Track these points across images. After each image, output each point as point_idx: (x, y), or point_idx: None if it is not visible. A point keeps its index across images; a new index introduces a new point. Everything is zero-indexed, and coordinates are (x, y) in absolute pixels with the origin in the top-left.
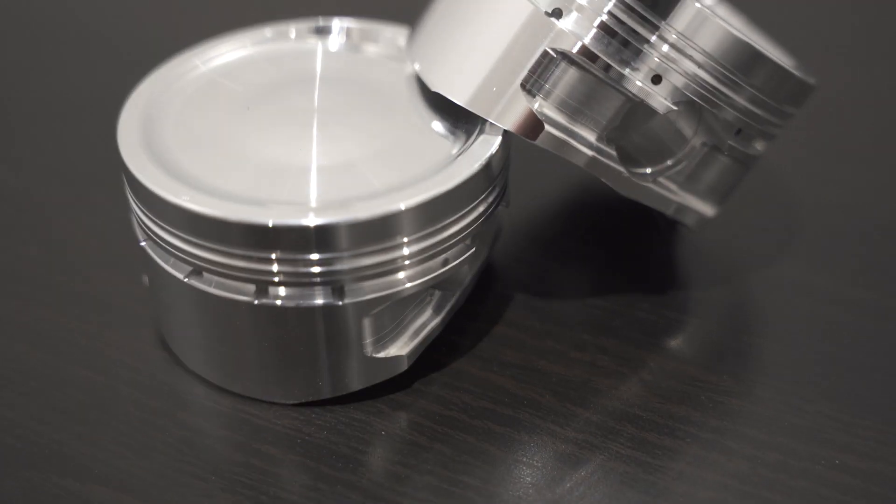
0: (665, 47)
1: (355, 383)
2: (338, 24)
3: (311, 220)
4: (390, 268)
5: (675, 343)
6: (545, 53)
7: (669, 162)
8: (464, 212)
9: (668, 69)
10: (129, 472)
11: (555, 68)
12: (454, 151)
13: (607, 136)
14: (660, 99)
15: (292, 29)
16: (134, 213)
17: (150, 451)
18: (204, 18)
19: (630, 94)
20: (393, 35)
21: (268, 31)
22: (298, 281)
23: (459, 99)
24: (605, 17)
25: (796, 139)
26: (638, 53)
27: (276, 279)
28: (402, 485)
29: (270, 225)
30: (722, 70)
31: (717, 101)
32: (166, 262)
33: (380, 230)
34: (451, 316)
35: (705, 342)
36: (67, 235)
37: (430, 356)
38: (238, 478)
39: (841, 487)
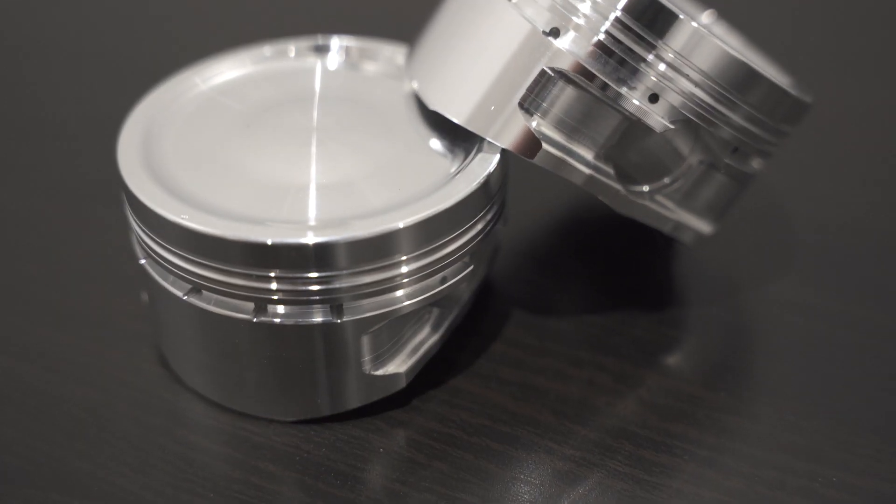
0: (662, 66)
1: (354, 401)
2: (337, 42)
3: (310, 239)
4: (389, 286)
5: (672, 360)
6: (543, 72)
7: (666, 180)
8: (462, 230)
9: (664, 88)
10: (129, 489)
11: (552, 87)
12: (452, 170)
13: (605, 155)
14: (657, 118)
15: (292, 47)
16: (133, 231)
17: (149, 469)
18: (204, 37)
19: (627, 113)
20: (392, 53)
21: (267, 50)
22: (297, 299)
23: (457, 117)
24: (602, 37)
25: (793, 157)
26: (635, 72)
27: (275, 297)
28: (401, 502)
29: (269, 243)
30: (718, 89)
31: (714, 120)
32: (166, 280)
33: (378, 248)
34: (449, 333)
35: (703, 360)
36: (67, 253)
37: (429, 373)
38: (237, 495)
39: None
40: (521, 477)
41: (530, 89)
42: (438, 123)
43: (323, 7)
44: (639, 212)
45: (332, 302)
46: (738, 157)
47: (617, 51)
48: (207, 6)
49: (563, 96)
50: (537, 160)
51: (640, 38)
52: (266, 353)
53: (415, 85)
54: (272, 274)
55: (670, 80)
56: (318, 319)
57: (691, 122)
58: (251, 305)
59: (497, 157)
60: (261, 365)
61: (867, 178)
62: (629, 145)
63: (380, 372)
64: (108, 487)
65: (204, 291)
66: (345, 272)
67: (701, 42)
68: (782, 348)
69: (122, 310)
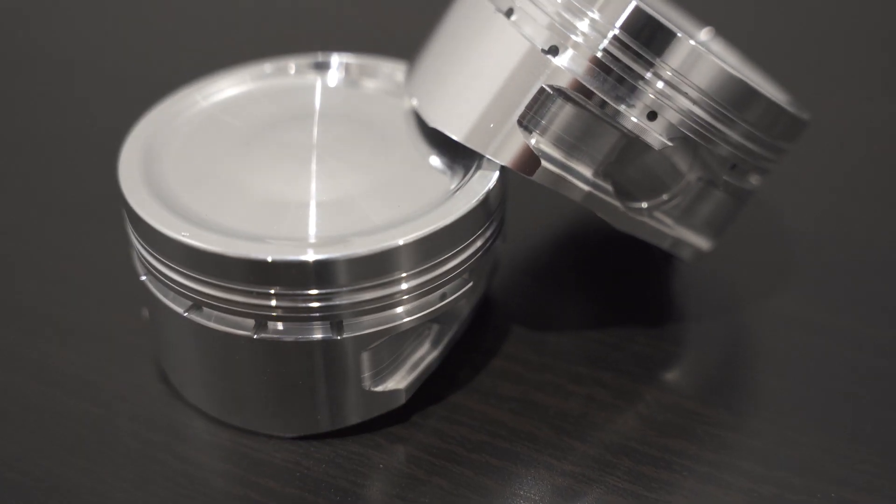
0: (660, 84)
1: (354, 417)
2: (337, 59)
3: (310, 256)
4: (388, 302)
5: (671, 376)
6: (541, 90)
7: (665, 196)
8: (462, 247)
9: (663, 106)
10: None
11: (551, 105)
12: (452, 187)
13: (603, 172)
14: (655, 135)
15: (292, 64)
16: (134, 247)
17: (149, 485)
18: (204, 54)
19: (626, 131)
20: (391, 70)
21: (267, 67)
22: (297, 315)
23: (456, 135)
24: (600, 55)
25: (791, 173)
26: (633, 90)
27: (276, 314)
28: None
29: (270, 260)
30: (716, 107)
31: (712, 137)
32: (166, 297)
33: (378, 265)
34: (448, 349)
35: (702, 375)
36: (68, 269)
37: (428, 389)
38: None
39: None
40: (521, 493)
41: (529, 107)
42: (438, 140)
43: (322, 24)
44: (637, 228)
45: (332, 318)
46: (736, 174)
47: (615, 69)
48: (208, 24)
49: (562, 114)
50: (536, 177)
51: (638, 56)
52: (266, 369)
53: (414, 102)
54: (272, 291)
55: (668, 97)
56: (318, 336)
57: (689, 139)
58: (251, 322)
59: (496, 174)
60: (261, 381)
61: (865, 194)
62: (628, 162)
63: (380, 388)
64: (109, 503)
65: (204, 308)
66: (345, 289)
67: (699, 60)
68: (781, 364)
69: (123, 326)
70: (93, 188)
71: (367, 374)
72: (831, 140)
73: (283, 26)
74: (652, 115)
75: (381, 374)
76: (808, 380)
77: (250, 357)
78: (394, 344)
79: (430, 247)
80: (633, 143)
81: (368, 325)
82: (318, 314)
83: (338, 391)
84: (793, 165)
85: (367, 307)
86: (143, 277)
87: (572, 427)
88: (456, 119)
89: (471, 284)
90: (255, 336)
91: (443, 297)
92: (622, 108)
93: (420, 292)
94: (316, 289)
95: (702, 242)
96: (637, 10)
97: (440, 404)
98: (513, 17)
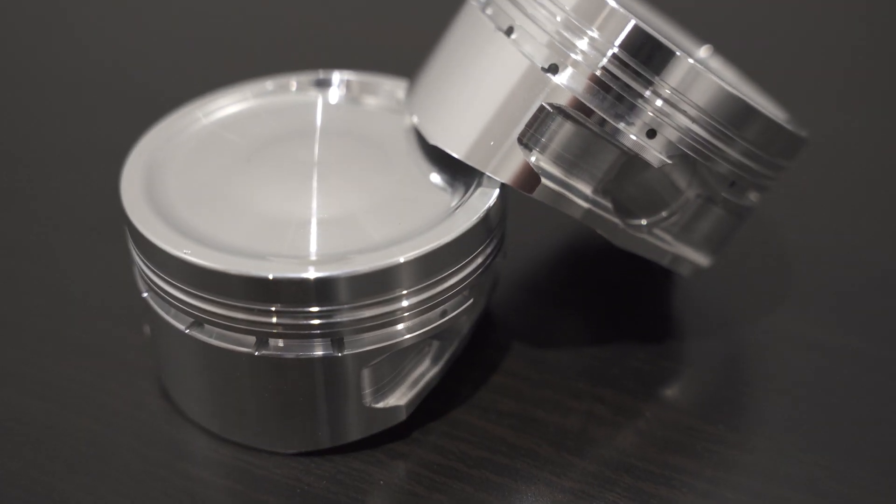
0: (659, 102)
1: (354, 433)
2: (338, 76)
3: (311, 274)
4: (389, 319)
5: (671, 393)
6: (541, 108)
7: (664, 213)
8: (462, 264)
9: (662, 124)
10: None
11: (551, 122)
12: (453, 204)
13: (603, 189)
14: (654, 153)
15: (293, 81)
16: (136, 264)
17: (150, 501)
18: (206, 71)
19: (625, 148)
20: (392, 88)
21: (269, 84)
22: (298, 333)
23: (457, 152)
24: (599, 73)
25: (790, 190)
26: (632, 108)
27: (277, 331)
28: None
29: (271, 278)
30: (715, 124)
31: (711, 155)
32: (168, 314)
33: (379, 283)
34: (449, 365)
35: (701, 392)
36: (70, 285)
37: (429, 405)
38: None
39: None
40: None
41: (529, 125)
42: (438, 158)
43: (324, 42)
44: (637, 245)
45: (333, 335)
46: (735, 191)
47: (614, 87)
48: (210, 41)
49: (562, 131)
50: (536, 195)
51: (637, 75)
52: (267, 385)
53: (415, 119)
54: (273, 308)
55: (667, 115)
56: (318, 353)
57: (689, 156)
58: (252, 339)
59: (497, 191)
60: (262, 397)
61: (864, 211)
62: (627, 180)
63: (380, 405)
64: None
65: (206, 325)
66: (345, 306)
67: (697, 78)
68: (780, 380)
69: (124, 342)
70: (95, 205)
71: (367, 391)
72: (830, 157)
73: (285, 43)
74: (651, 133)
75: (381, 391)
76: (807, 396)
77: (251, 374)
78: (394, 360)
79: (431, 264)
80: (632, 161)
81: (369, 342)
82: (318, 331)
83: (338, 408)
84: (791, 182)
85: (367, 324)
86: (145, 294)
87: (572, 443)
88: (456, 136)
89: (471, 301)
90: (256, 353)
91: (443, 313)
92: (621, 125)
93: (421, 309)
94: (317, 306)
95: (701, 259)
96: (636, 28)
97: (440, 420)
98: (513, 36)
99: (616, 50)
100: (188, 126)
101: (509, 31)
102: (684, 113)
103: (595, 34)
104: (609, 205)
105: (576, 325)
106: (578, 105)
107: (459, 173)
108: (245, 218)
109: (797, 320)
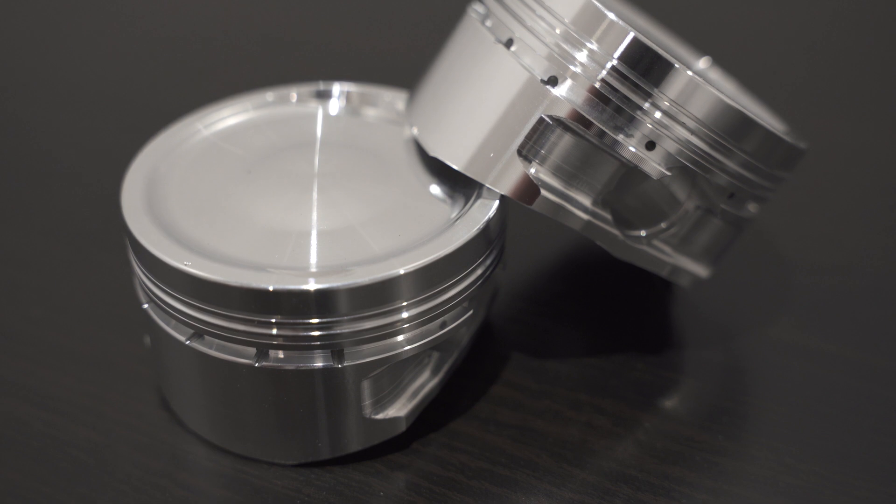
0: (658, 114)
1: (354, 444)
2: (338, 87)
3: (312, 285)
4: (389, 331)
5: (670, 403)
6: (541, 120)
7: (663, 225)
8: (462, 275)
9: (661, 135)
10: None
11: (550, 134)
12: (452, 215)
13: (602, 200)
14: (653, 165)
15: (293, 93)
16: (136, 275)
17: None
18: (206, 83)
19: (624, 160)
20: (392, 99)
21: (269, 96)
22: (298, 344)
23: (456, 164)
24: (598, 85)
25: (789, 200)
26: (631, 120)
27: (277, 342)
28: None
29: (271, 290)
30: (714, 136)
31: (710, 167)
32: (168, 325)
33: (379, 295)
34: (448, 376)
35: (700, 402)
36: (70, 296)
37: (428, 416)
38: None
39: None
40: None
41: (528, 136)
42: (438, 169)
43: (324, 53)
44: (636, 256)
45: (333, 347)
46: (734, 203)
47: (614, 99)
48: (210, 53)
49: (561, 143)
50: (536, 206)
51: (636, 87)
52: (267, 397)
53: (415, 131)
54: (274, 320)
55: (666, 127)
56: (318, 364)
57: (688, 168)
58: (253, 350)
59: (496, 202)
60: (262, 409)
61: (863, 221)
62: (626, 191)
63: (380, 416)
64: None
65: (206, 336)
66: (345, 318)
67: (696, 90)
68: (779, 391)
69: (125, 353)
70: (96, 216)
71: (367, 402)
72: (829, 168)
73: (285, 55)
74: (650, 145)
75: (381, 402)
76: (806, 407)
77: (251, 385)
78: (394, 372)
79: (431, 275)
80: (631, 173)
81: (369, 354)
82: (318, 343)
83: (338, 419)
84: (790, 193)
85: (367, 336)
86: (145, 305)
87: (571, 454)
88: (456, 148)
89: (471, 312)
90: (256, 364)
91: (443, 325)
92: (620, 137)
93: (420, 321)
94: (317, 318)
95: (700, 270)
96: (635, 41)
97: (440, 431)
98: (512, 48)
99: (615, 62)
100: (189, 137)
101: (509, 44)
102: (683, 125)
103: (594, 46)
104: (608, 216)
105: (575, 336)
106: (578, 117)
107: (459, 185)
108: (245, 229)
109: (796, 330)
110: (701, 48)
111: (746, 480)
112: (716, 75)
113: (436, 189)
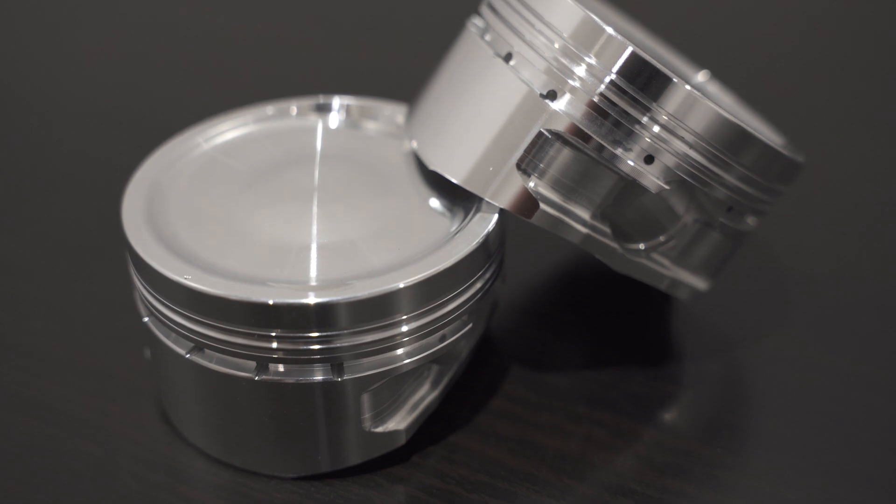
0: (656, 128)
1: (354, 457)
2: (338, 101)
3: (311, 299)
4: (389, 345)
5: (670, 416)
6: (540, 134)
7: (662, 238)
8: (461, 289)
9: (659, 149)
10: None
11: (549, 148)
12: (452, 229)
13: (601, 214)
14: (652, 178)
15: (293, 106)
16: (137, 289)
17: None
18: (206, 97)
19: (623, 174)
20: (392, 112)
21: (269, 109)
22: (298, 358)
23: (455, 177)
24: (597, 99)
25: (788, 213)
26: (630, 134)
27: (277, 356)
28: None
29: (271, 303)
30: (712, 150)
31: (708, 181)
32: (168, 338)
33: (379, 308)
34: (448, 390)
35: (700, 415)
36: (71, 309)
37: (428, 429)
38: None
39: None
40: None
41: (527, 150)
42: (438, 183)
43: (324, 66)
44: (635, 269)
45: (333, 360)
46: (732, 216)
47: (612, 113)
48: (210, 66)
49: (560, 157)
50: (535, 220)
51: (634, 101)
52: (267, 410)
53: (414, 144)
54: (274, 333)
55: (665, 141)
56: (318, 378)
57: (686, 182)
58: (253, 364)
59: (495, 216)
60: (262, 422)
61: (861, 233)
62: (625, 205)
63: (380, 429)
64: None
65: (206, 350)
66: (345, 332)
67: (695, 105)
68: (779, 403)
69: (125, 366)
70: (96, 229)
71: (367, 415)
72: (827, 180)
73: (285, 69)
74: (649, 159)
75: (381, 415)
76: (805, 419)
77: (251, 398)
78: (394, 385)
79: (431, 289)
80: (630, 186)
81: (369, 367)
82: (318, 356)
83: (338, 432)
84: (789, 205)
85: (367, 349)
86: (146, 319)
87: (571, 467)
88: (455, 162)
89: (470, 326)
90: (256, 378)
91: (442, 338)
92: (619, 151)
93: (420, 334)
94: (317, 331)
95: (699, 283)
96: (633, 55)
97: (440, 444)
98: (511, 62)
99: (614, 76)
100: (189, 151)
101: (508, 58)
102: (682, 139)
103: (593, 61)
104: (607, 230)
105: (574, 349)
106: (576, 131)
107: (458, 198)
108: (245, 243)
109: (796, 343)
110: (699, 61)
111: (746, 493)
112: (714, 88)
113: (435, 203)
